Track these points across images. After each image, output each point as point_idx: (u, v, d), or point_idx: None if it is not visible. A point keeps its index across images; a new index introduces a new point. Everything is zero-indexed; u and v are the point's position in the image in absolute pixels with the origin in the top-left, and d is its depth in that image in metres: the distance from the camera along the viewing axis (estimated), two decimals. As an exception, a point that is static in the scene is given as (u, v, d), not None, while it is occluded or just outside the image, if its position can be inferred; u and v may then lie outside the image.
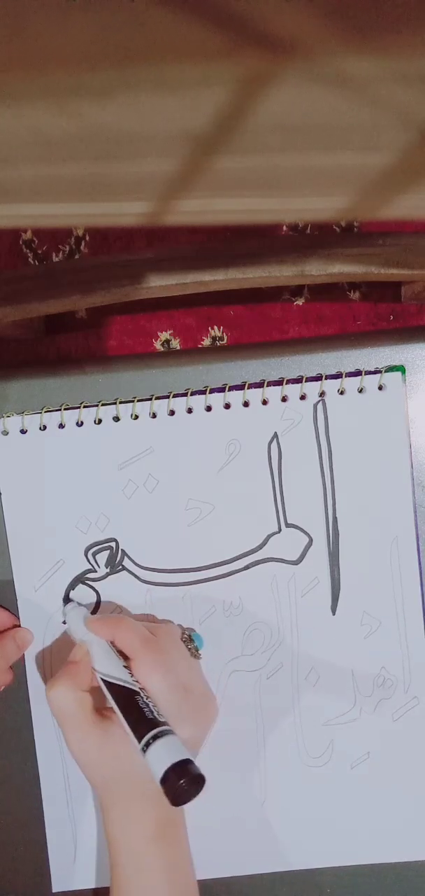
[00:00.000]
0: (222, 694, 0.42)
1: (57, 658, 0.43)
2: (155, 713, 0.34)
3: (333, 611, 0.41)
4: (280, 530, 0.41)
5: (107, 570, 0.42)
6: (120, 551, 0.42)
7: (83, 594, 0.42)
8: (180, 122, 0.14)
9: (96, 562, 0.42)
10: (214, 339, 0.45)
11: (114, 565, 0.42)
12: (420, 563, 0.40)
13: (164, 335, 0.46)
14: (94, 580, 0.42)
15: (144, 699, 0.35)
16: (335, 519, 0.40)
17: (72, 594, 0.42)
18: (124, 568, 0.42)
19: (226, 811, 0.42)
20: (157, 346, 0.46)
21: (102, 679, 0.36)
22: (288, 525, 0.41)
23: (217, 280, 0.36)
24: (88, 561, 0.42)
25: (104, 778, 0.37)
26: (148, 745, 0.33)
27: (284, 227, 0.44)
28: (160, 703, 0.35)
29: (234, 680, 0.42)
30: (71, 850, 0.44)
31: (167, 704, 0.35)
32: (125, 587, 0.42)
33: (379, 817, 0.41)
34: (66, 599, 0.42)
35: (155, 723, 0.33)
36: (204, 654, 0.41)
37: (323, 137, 0.15)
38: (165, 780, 0.32)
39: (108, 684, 0.36)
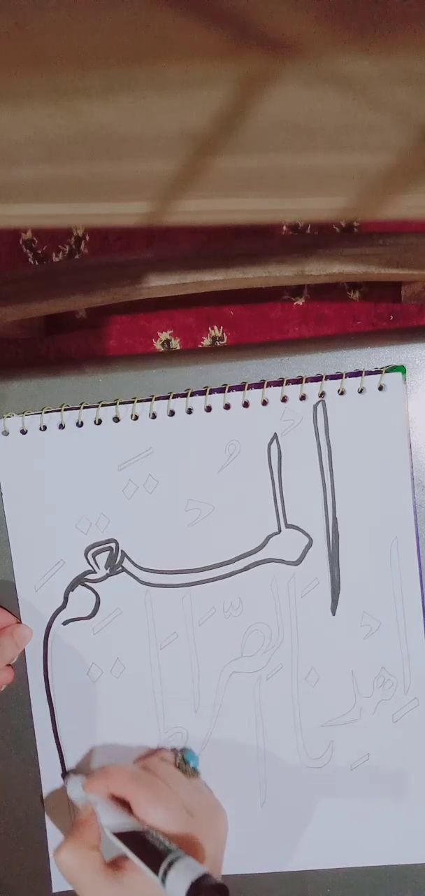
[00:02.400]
0: (222, 695, 0.42)
1: (58, 658, 0.43)
2: (166, 843, 0.34)
3: (333, 611, 0.41)
4: (280, 531, 0.41)
5: (107, 570, 0.42)
6: (120, 552, 0.42)
7: (82, 597, 0.42)
8: (180, 122, 0.14)
9: (96, 562, 0.42)
10: (214, 339, 0.45)
11: (114, 566, 0.42)
12: (420, 564, 0.40)
13: (164, 335, 0.46)
14: (93, 581, 0.42)
15: (153, 835, 0.35)
16: (335, 519, 0.40)
17: (69, 774, 0.43)
18: (124, 569, 0.42)
19: (226, 811, 0.42)
20: (157, 346, 0.46)
21: (111, 832, 0.37)
22: (288, 526, 0.41)
23: (217, 280, 0.36)
24: (88, 562, 0.42)
25: None
26: (165, 874, 0.33)
27: (284, 227, 0.44)
28: (168, 834, 0.35)
29: (234, 681, 0.42)
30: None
31: (175, 832, 0.36)
32: (125, 588, 0.42)
33: (379, 819, 0.41)
34: (64, 773, 0.44)
35: (167, 851, 0.34)
36: (203, 655, 0.41)
37: (323, 137, 0.15)
38: None
39: (117, 834, 0.36)
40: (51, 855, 0.44)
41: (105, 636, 0.43)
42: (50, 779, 0.44)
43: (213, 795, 0.42)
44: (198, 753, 0.42)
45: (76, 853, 0.36)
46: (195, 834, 0.36)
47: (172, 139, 0.14)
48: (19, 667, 0.43)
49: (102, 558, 0.42)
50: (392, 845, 0.41)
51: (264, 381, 0.40)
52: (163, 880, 0.33)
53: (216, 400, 0.40)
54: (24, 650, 0.43)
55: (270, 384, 0.40)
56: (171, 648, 0.42)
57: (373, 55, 0.12)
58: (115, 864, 0.36)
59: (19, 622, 0.43)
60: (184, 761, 0.41)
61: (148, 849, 0.34)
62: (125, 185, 0.17)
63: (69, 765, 0.44)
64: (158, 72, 0.12)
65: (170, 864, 0.33)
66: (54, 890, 0.44)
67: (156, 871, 0.33)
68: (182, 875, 0.33)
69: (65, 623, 0.43)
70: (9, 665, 0.42)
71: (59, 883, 0.44)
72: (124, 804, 0.37)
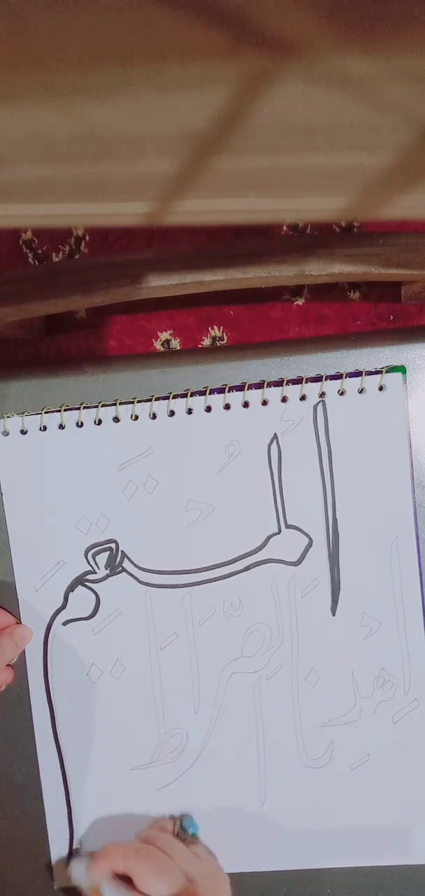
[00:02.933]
0: (222, 695, 0.42)
1: (57, 659, 0.43)
2: None
3: (333, 612, 0.41)
4: (280, 531, 0.41)
5: (107, 571, 0.42)
6: (120, 552, 0.42)
7: (82, 597, 0.42)
8: (180, 122, 0.14)
9: (96, 563, 0.42)
10: (214, 339, 0.45)
11: (114, 566, 0.42)
12: (420, 564, 0.40)
13: (164, 335, 0.46)
14: (93, 581, 0.42)
15: None
16: (335, 520, 0.40)
17: (73, 858, 0.44)
18: (124, 569, 0.42)
19: (226, 811, 0.42)
20: (157, 346, 0.46)
21: None
22: (288, 526, 0.41)
23: (217, 280, 0.36)
24: (88, 562, 0.42)
25: None
26: None
27: (284, 227, 0.44)
28: None
29: (234, 681, 0.42)
30: (72, 848, 0.44)
31: None
32: (125, 589, 0.42)
33: (378, 819, 0.41)
34: (70, 855, 0.44)
35: None
36: (203, 656, 0.41)
37: (323, 137, 0.15)
38: None
39: None
40: (53, 866, 0.44)
41: (105, 636, 0.43)
42: (50, 779, 0.44)
43: (215, 860, 0.42)
44: (196, 820, 0.43)
45: None
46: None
47: (172, 139, 0.14)
48: (19, 667, 0.43)
49: (102, 558, 0.42)
50: (392, 845, 0.41)
51: (264, 381, 0.40)
52: None
53: (216, 400, 0.40)
54: (23, 650, 0.43)
55: (270, 384, 0.40)
56: (171, 649, 0.42)
57: (373, 55, 0.12)
58: None
59: (19, 622, 0.43)
60: (182, 829, 0.42)
61: None
62: (125, 185, 0.17)
63: (69, 765, 0.44)
64: (158, 72, 0.12)
65: None
66: (55, 887, 0.44)
67: None
68: None
69: (65, 623, 0.43)
70: (9, 665, 0.42)
71: (60, 880, 0.44)
72: (128, 880, 0.38)
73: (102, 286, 0.36)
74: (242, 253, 0.36)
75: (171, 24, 0.11)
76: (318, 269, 0.35)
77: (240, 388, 0.40)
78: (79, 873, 0.41)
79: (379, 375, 0.39)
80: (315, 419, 0.40)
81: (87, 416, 0.41)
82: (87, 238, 0.46)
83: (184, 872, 0.38)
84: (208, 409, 0.40)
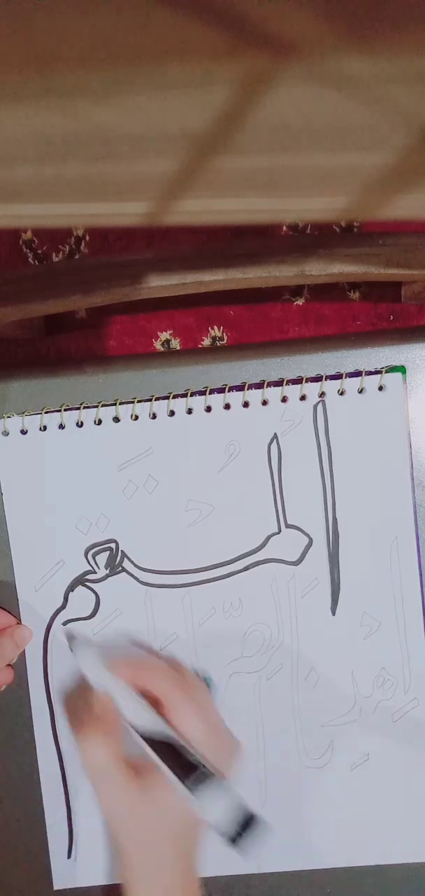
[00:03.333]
0: (222, 695, 0.42)
1: (58, 659, 0.43)
2: (197, 757, 0.32)
3: (333, 611, 0.41)
4: (280, 531, 0.41)
5: (107, 571, 0.42)
6: (120, 552, 0.42)
7: (82, 597, 0.42)
8: (180, 122, 0.14)
9: (96, 563, 0.42)
10: (214, 339, 0.45)
11: (114, 566, 0.42)
12: (420, 564, 0.40)
13: (164, 335, 0.46)
14: (93, 581, 0.42)
15: (186, 746, 0.33)
16: (335, 519, 0.40)
17: (77, 639, 0.40)
18: (124, 569, 0.42)
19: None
20: (157, 346, 0.46)
21: (138, 733, 0.34)
22: (288, 526, 0.41)
23: (217, 280, 0.36)
24: (88, 562, 0.42)
25: (135, 834, 0.35)
26: (196, 786, 0.31)
27: (284, 227, 0.44)
28: (198, 746, 0.33)
29: (234, 681, 0.42)
30: (72, 849, 0.44)
31: (205, 747, 0.34)
32: (125, 589, 0.42)
33: (378, 819, 0.41)
34: (70, 637, 0.40)
35: (199, 764, 0.32)
36: (203, 656, 0.41)
37: (323, 137, 0.15)
38: (236, 838, 0.31)
39: (147, 738, 0.33)
40: (53, 866, 0.44)
41: (105, 637, 0.43)
42: (49, 779, 0.44)
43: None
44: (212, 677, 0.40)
45: (102, 748, 0.33)
46: (221, 752, 0.34)
47: (172, 139, 0.14)
48: (19, 667, 0.43)
49: (102, 558, 0.42)
50: (392, 845, 0.41)
51: (264, 381, 0.40)
52: (193, 791, 0.30)
53: (216, 400, 0.40)
54: (24, 650, 0.43)
55: (270, 384, 0.40)
56: (171, 649, 0.42)
57: (373, 55, 0.12)
58: (136, 767, 0.34)
59: (19, 622, 0.43)
60: (206, 679, 0.39)
61: (177, 760, 0.32)
62: (125, 185, 0.17)
63: (69, 765, 0.44)
64: (158, 72, 0.12)
65: (202, 778, 0.30)
66: (55, 888, 0.44)
67: (183, 782, 0.31)
68: (216, 795, 0.30)
69: (65, 623, 0.43)
70: (9, 665, 0.42)
71: (59, 881, 0.44)
72: (153, 702, 0.34)
73: (102, 286, 0.36)
74: (242, 253, 0.36)
75: (171, 24, 0.11)
76: (318, 269, 0.35)
77: (240, 388, 0.40)
78: (89, 663, 0.36)
79: (379, 375, 0.39)
80: (315, 419, 0.40)
81: (87, 416, 0.41)
82: (87, 238, 0.46)
83: (212, 719, 0.35)
84: (208, 409, 0.40)
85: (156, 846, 0.34)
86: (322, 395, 0.40)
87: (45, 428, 0.41)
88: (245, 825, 0.31)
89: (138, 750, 0.34)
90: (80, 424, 0.41)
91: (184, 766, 0.32)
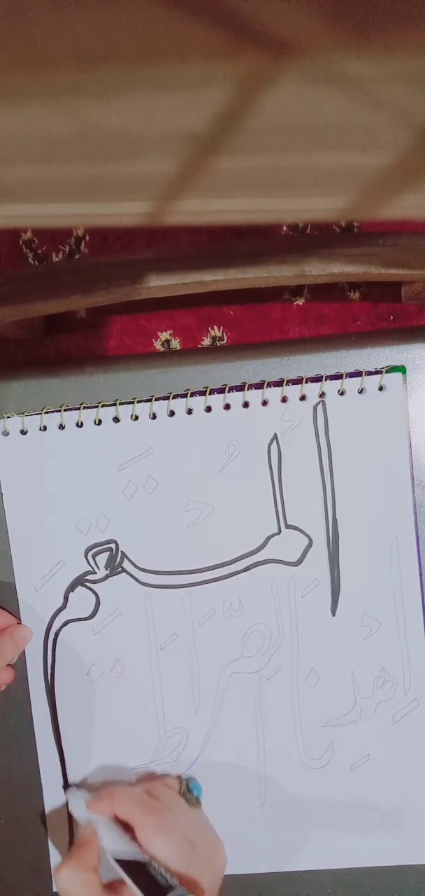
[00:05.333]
0: (222, 695, 0.42)
1: (58, 659, 0.43)
2: (167, 878, 0.34)
3: (333, 612, 0.41)
4: (280, 531, 0.41)
5: (107, 571, 0.42)
6: (120, 553, 0.42)
7: (82, 597, 0.42)
8: (180, 122, 0.14)
9: (96, 563, 0.42)
10: (214, 339, 0.45)
11: (114, 567, 0.42)
12: (420, 564, 0.40)
13: (164, 335, 0.46)
14: (93, 582, 0.42)
15: (156, 867, 0.35)
16: (335, 520, 0.40)
17: (72, 788, 0.43)
18: (124, 570, 0.42)
19: (226, 812, 0.42)
20: (157, 346, 0.46)
21: (112, 857, 0.36)
22: (288, 526, 0.41)
23: (217, 280, 0.36)
24: (88, 562, 0.42)
25: None
26: None
27: (284, 227, 0.44)
28: (169, 864, 0.35)
29: (234, 681, 0.42)
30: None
31: (176, 864, 0.35)
32: (125, 589, 0.42)
33: (378, 819, 0.41)
34: (66, 785, 0.43)
35: (169, 887, 0.33)
36: (203, 656, 0.41)
37: (323, 137, 0.15)
38: None
39: (119, 861, 0.36)
40: (52, 867, 0.44)
41: (105, 637, 0.43)
42: (50, 779, 0.44)
43: (213, 828, 0.41)
44: (200, 783, 0.42)
45: (77, 876, 0.36)
46: (195, 866, 0.36)
47: (172, 139, 0.14)
48: (19, 667, 0.43)
49: (102, 559, 0.42)
50: (392, 845, 0.41)
51: (264, 381, 0.40)
52: None
53: (216, 400, 0.40)
54: (24, 650, 0.43)
55: (270, 384, 0.40)
56: (171, 649, 0.42)
57: (373, 55, 0.12)
58: (112, 888, 0.36)
59: (19, 622, 0.43)
60: (188, 790, 0.41)
61: (149, 880, 0.34)
62: (125, 185, 0.17)
63: (69, 765, 0.44)
64: (158, 72, 0.12)
65: None
66: (54, 889, 0.44)
67: None
68: None
69: (65, 623, 0.43)
70: (9, 665, 0.42)
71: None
72: (127, 828, 0.37)
73: (102, 286, 0.36)
74: (242, 253, 0.36)
75: (171, 24, 0.11)
76: (318, 269, 0.35)
77: (240, 388, 0.40)
78: (76, 805, 0.40)
79: (379, 375, 0.39)
80: (315, 419, 0.40)
81: (87, 416, 0.41)
82: (87, 238, 0.46)
83: (186, 835, 0.37)
84: (208, 409, 0.40)
85: None
86: (322, 395, 0.40)
87: (44, 428, 0.41)
88: None
89: (116, 875, 0.36)
90: (79, 424, 0.41)
91: (153, 885, 0.34)
